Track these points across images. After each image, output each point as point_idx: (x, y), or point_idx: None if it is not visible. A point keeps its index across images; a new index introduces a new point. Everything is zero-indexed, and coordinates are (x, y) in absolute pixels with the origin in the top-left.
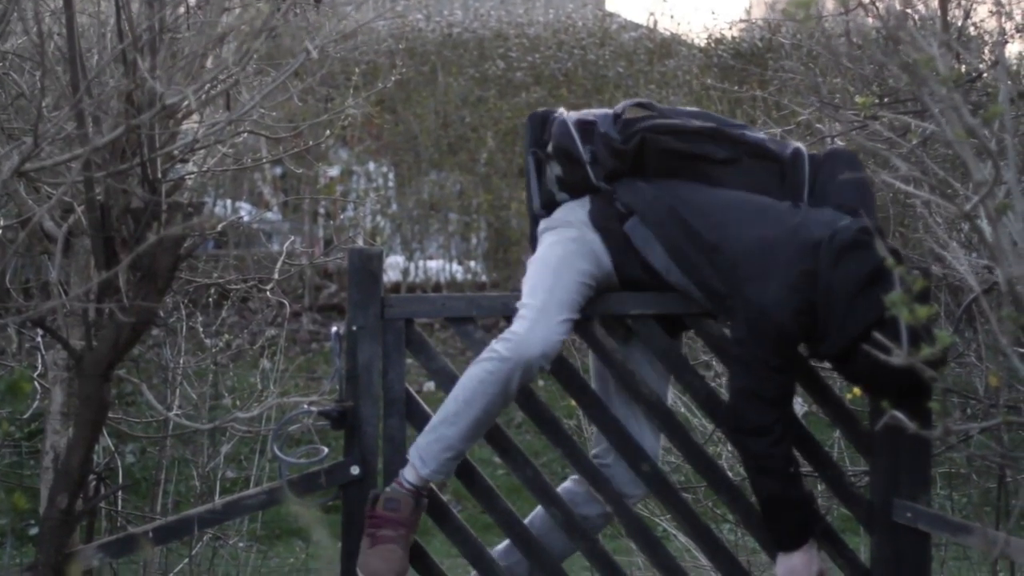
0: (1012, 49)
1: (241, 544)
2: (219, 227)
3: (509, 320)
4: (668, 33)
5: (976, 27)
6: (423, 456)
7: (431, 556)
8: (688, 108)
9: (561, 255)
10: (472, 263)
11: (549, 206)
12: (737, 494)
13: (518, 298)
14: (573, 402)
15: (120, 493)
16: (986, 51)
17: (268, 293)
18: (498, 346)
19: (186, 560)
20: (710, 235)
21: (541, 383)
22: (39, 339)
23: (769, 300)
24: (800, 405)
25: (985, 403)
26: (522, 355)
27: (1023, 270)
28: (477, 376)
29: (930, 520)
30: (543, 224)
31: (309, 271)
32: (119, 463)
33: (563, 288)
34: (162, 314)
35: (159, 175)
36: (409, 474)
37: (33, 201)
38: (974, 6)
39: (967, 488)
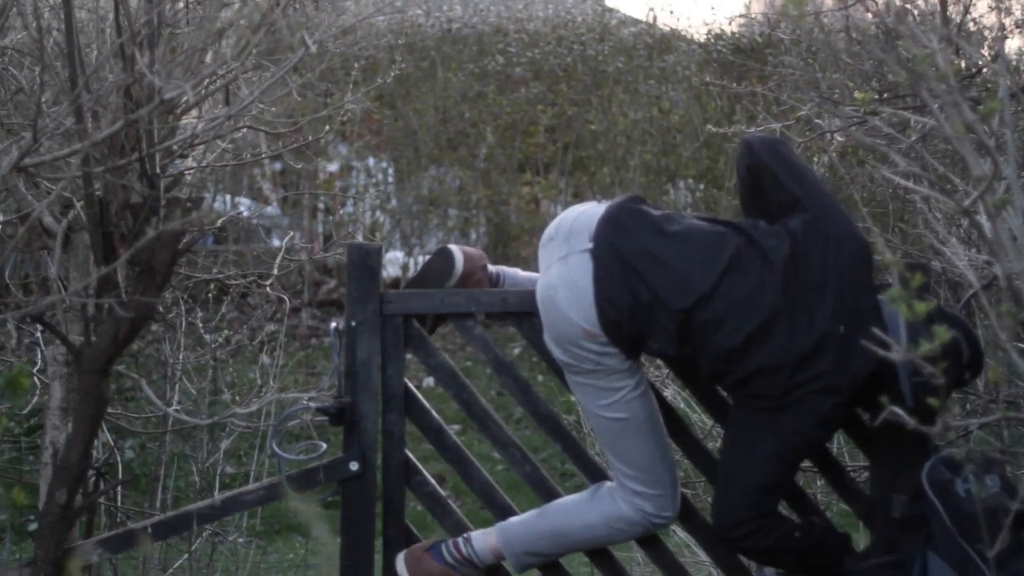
0: (1012, 44)
1: (240, 540)
2: (218, 223)
3: (509, 315)
4: (667, 29)
5: (975, 23)
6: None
7: None
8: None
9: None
10: None
11: None
12: None
13: (516, 296)
14: (573, 398)
15: (119, 488)
16: (985, 47)
17: (267, 289)
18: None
19: (185, 556)
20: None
21: (540, 378)
22: (38, 334)
23: None
24: None
25: (984, 399)
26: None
27: (1022, 266)
28: (616, 522)
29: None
30: None
31: (308, 267)
32: (118, 458)
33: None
34: (161, 310)
35: (158, 170)
36: (485, 553)
37: (32, 196)
38: (973, 1)
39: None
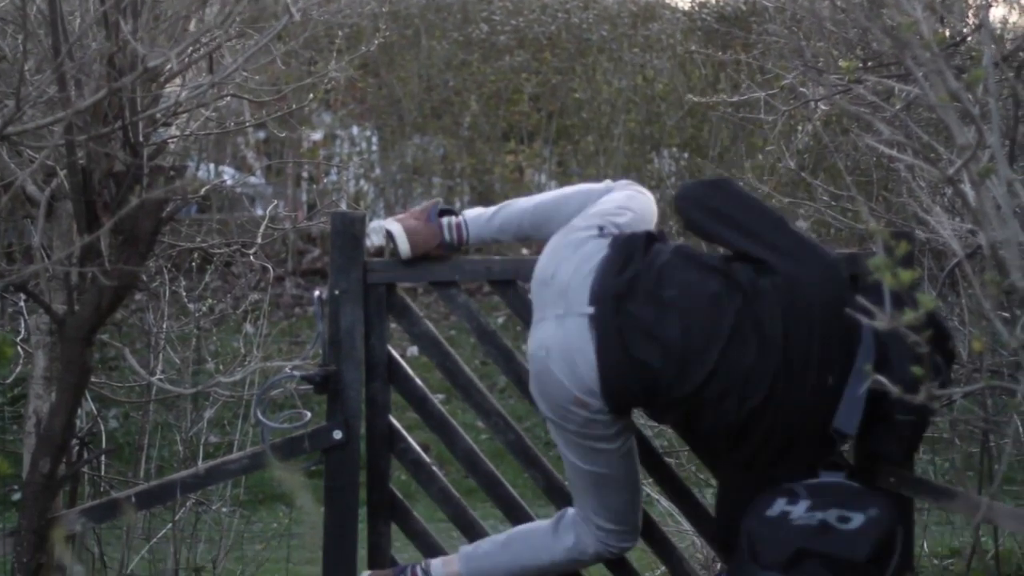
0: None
1: (224, 509)
2: (202, 191)
3: (493, 283)
4: None
5: None
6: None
7: (417, 518)
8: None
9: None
10: None
11: None
12: None
13: (500, 264)
14: None
15: (103, 458)
16: (970, 15)
17: (251, 257)
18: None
19: (169, 525)
20: None
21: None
22: (21, 303)
23: None
24: None
25: (968, 368)
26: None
27: (1006, 234)
28: (581, 555)
29: (913, 485)
30: None
31: (292, 236)
32: (102, 428)
33: None
34: (145, 278)
35: (141, 139)
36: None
37: (15, 165)
38: None
39: (950, 453)
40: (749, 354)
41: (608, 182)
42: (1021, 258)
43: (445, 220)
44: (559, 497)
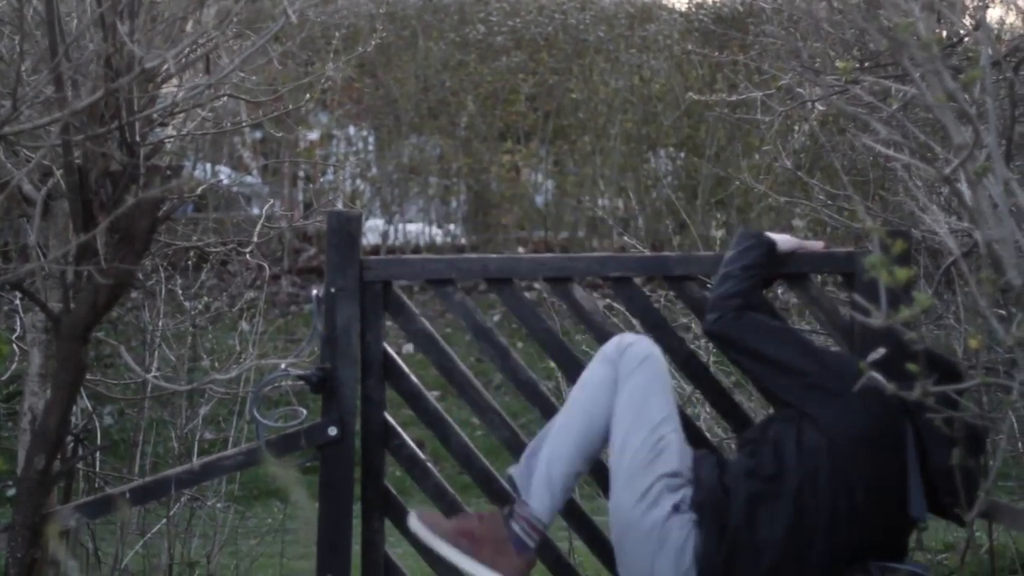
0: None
1: (219, 505)
2: (198, 191)
3: (490, 281)
4: None
5: None
6: None
7: None
8: None
9: None
10: (452, 226)
11: None
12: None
13: (497, 262)
14: (552, 364)
15: (98, 454)
16: (967, 15)
17: (247, 256)
18: None
19: (164, 521)
20: None
21: (520, 345)
22: (17, 302)
23: None
24: None
25: (964, 365)
26: None
27: (1002, 232)
28: None
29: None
30: None
31: (288, 234)
32: (97, 424)
33: None
34: (141, 277)
35: (138, 138)
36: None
37: (12, 164)
38: None
39: None
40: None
41: (605, 354)
42: (1017, 256)
43: (518, 530)
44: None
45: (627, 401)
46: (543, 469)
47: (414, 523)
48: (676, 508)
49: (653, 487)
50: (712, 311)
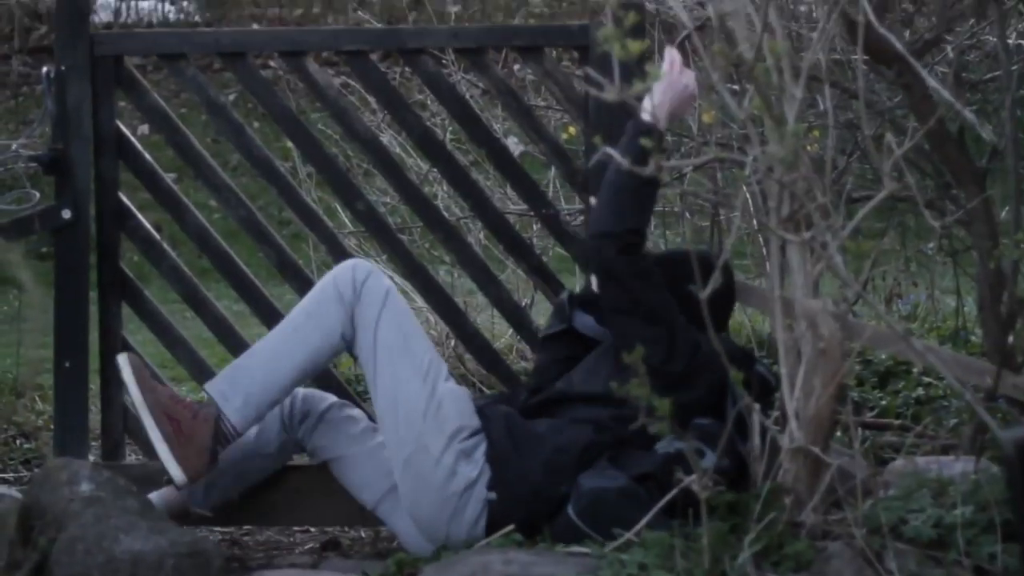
0: None
1: None
2: None
3: (223, 56)
4: None
5: None
6: None
7: (149, 298)
8: None
9: None
10: (185, 3)
11: None
12: (452, 234)
13: (230, 36)
14: (289, 143)
15: None
16: None
17: None
18: None
19: None
20: None
21: (256, 124)
22: None
23: None
24: (515, 144)
25: (698, 141)
26: None
27: (734, 5)
28: None
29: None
30: None
31: (18, 12)
32: None
33: None
34: None
35: None
36: None
37: None
38: None
39: (680, 226)
40: None
41: (338, 289)
42: (749, 29)
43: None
44: (292, 275)
45: (385, 349)
46: (256, 393)
47: (123, 365)
48: (471, 484)
49: (446, 454)
50: (610, 240)
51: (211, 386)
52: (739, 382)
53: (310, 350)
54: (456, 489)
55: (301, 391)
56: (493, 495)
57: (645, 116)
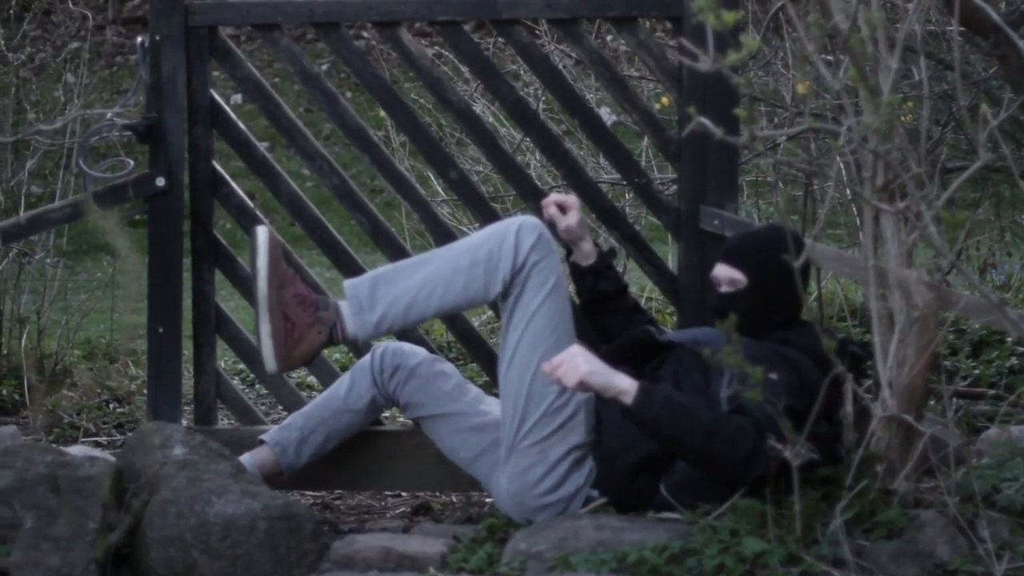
0: None
1: (48, 260)
2: None
3: (317, 26)
4: None
5: None
6: None
7: (242, 265)
8: None
9: None
10: None
11: None
12: None
13: (324, 6)
14: (382, 112)
15: None
16: None
17: (70, 4)
18: None
19: None
20: None
21: (349, 94)
22: None
23: None
24: (608, 114)
25: (792, 111)
26: None
27: None
28: None
29: (737, 227)
30: None
31: None
32: None
33: None
34: None
35: None
36: None
37: None
38: None
39: (773, 196)
40: None
41: (517, 245)
42: (844, 0)
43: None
44: (385, 242)
45: (535, 336)
46: (392, 316)
47: (262, 242)
48: (578, 489)
49: (562, 463)
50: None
51: (351, 288)
52: (831, 351)
53: (464, 296)
54: (564, 495)
55: (392, 345)
56: (596, 492)
57: (626, 399)
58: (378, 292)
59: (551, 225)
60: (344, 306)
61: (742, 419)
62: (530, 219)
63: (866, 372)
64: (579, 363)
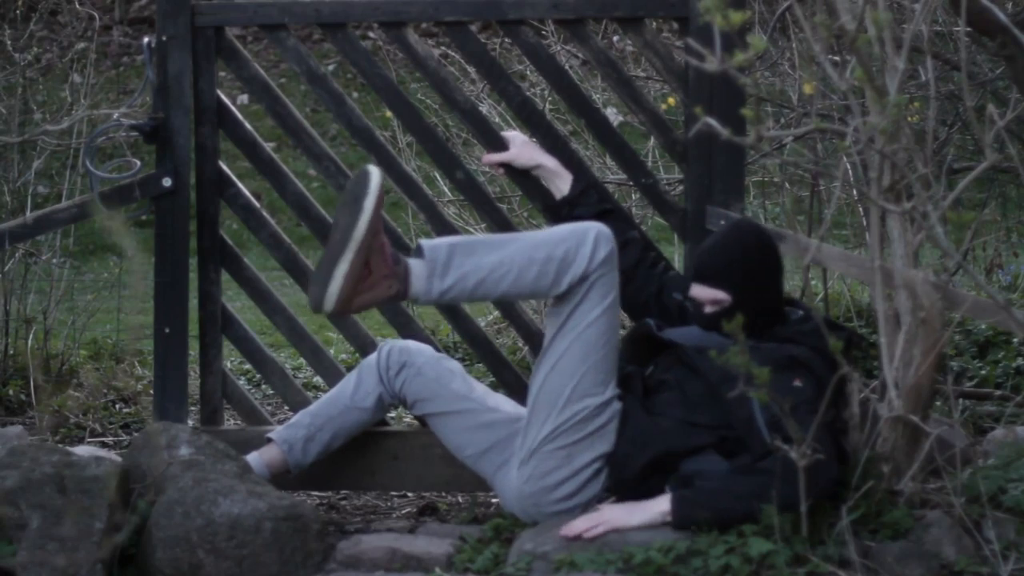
0: None
1: (54, 260)
2: None
3: (323, 27)
4: None
5: None
6: None
7: (248, 265)
8: None
9: None
10: None
11: None
12: None
13: (330, 6)
14: (389, 113)
15: None
16: None
17: (77, 5)
18: None
19: None
20: None
21: (355, 95)
22: None
23: None
24: (615, 115)
25: (798, 111)
26: None
27: None
28: None
29: None
30: None
31: None
32: None
33: None
34: None
35: None
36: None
37: None
38: None
39: (780, 196)
40: None
41: (591, 255)
42: (850, 1)
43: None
44: (391, 242)
45: (585, 345)
46: (460, 289)
47: (375, 185)
48: (595, 496)
49: (585, 470)
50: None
51: (431, 250)
52: (838, 350)
53: (531, 288)
54: (579, 503)
55: (398, 343)
56: (606, 494)
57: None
58: (454, 261)
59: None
60: (415, 265)
61: (771, 463)
62: (606, 230)
63: (870, 355)
64: (615, 520)
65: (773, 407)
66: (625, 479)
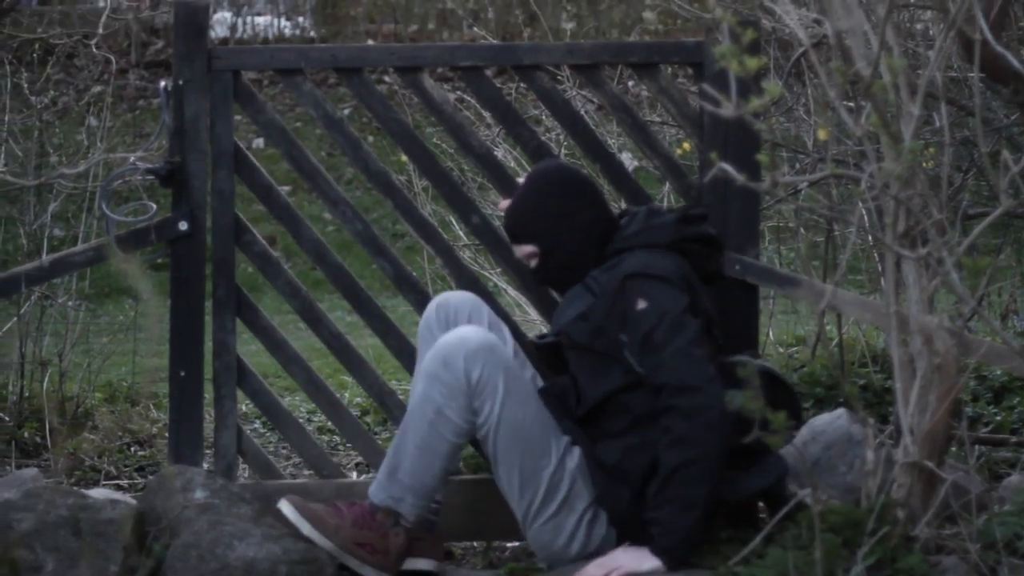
0: None
1: (70, 303)
2: None
3: (339, 71)
4: None
5: None
6: None
7: (263, 314)
8: None
9: None
10: (301, 19)
11: None
12: None
13: (346, 51)
14: (404, 157)
15: None
16: None
17: (93, 48)
18: None
19: (14, 319)
20: None
21: (371, 139)
22: None
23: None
24: (629, 160)
25: (814, 157)
26: None
27: (851, 23)
28: None
29: (758, 273)
30: None
31: (135, 26)
32: None
33: None
34: None
35: None
36: None
37: None
38: None
39: (795, 242)
40: None
41: (452, 376)
42: (865, 47)
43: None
44: (407, 288)
45: (509, 437)
46: (417, 479)
47: (290, 514)
48: (605, 539)
49: (579, 529)
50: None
51: (374, 492)
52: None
53: (455, 432)
54: (595, 548)
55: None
56: (614, 531)
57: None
58: (395, 473)
59: None
60: (379, 501)
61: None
62: (450, 345)
63: (791, 397)
64: (627, 566)
65: (634, 346)
66: (621, 510)
